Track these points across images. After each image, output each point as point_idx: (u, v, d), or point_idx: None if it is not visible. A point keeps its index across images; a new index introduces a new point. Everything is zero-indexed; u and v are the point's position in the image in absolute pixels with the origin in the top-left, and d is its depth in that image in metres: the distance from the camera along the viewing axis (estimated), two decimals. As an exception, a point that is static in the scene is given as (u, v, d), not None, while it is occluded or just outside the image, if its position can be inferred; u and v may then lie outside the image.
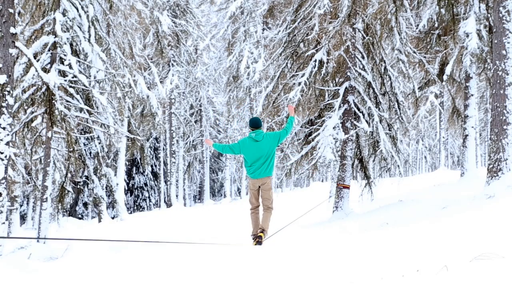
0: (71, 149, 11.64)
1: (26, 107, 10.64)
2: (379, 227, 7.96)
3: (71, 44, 11.52)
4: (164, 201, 30.00)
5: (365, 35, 11.37)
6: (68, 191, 13.28)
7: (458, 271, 3.42)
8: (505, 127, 8.13)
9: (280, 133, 7.37)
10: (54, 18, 10.66)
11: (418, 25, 14.87)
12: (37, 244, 9.75)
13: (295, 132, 11.83)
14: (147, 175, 33.09)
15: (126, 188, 31.57)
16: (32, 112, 10.67)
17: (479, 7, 13.26)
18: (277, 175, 25.49)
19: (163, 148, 31.56)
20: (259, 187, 7.38)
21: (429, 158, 47.56)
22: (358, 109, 11.47)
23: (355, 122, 11.33)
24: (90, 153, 18.88)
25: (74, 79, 10.80)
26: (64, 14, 10.95)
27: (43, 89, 10.18)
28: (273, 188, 7.70)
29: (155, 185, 33.43)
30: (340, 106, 11.25)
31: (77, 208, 29.45)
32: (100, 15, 15.25)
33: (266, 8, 23.23)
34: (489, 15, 12.83)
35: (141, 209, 32.23)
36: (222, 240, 8.65)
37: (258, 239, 7.17)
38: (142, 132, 24.56)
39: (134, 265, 5.58)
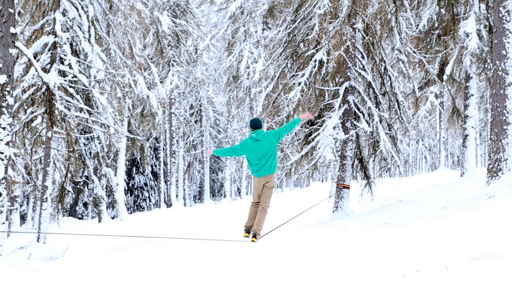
0: (71, 149, 11.64)
1: (26, 107, 10.64)
2: (379, 227, 7.96)
3: (71, 44, 11.52)
4: (164, 201, 30.00)
5: (365, 35, 11.37)
6: (68, 191, 13.29)
7: (458, 271, 3.42)
8: (505, 127, 8.13)
9: (279, 131, 7.51)
10: (54, 18, 10.66)
11: (418, 25, 14.87)
12: (37, 244, 9.76)
13: (295, 132, 11.83)
14: (147, 175, 33.09)
15: (126, 188, 31.57)
16: (32, 112, 10.67)
17: (479, 7, 13.25)
18: (277, 175, 25.50)
19: (163, 148, 31.56)
20: (264, 185, 7.53)
21: (429, 158, 47.55)
22: (358, 109, 11.47)
23: (355, 122, 11.33)
24: (90, 153, 18.88)
25: (74, 79, 10.80)
26: (64, 14, 10.95)
27: (43, 89, 10.18)
28: (275, 187, 7.84)
29: (155, 185, 33.43)
30: (340, 106, 11.26)
31: (77, 208, 29.45)
32: (100, 15, 15.25)
33: (266, 8, 23.23)
34: (489, 15, 12.83)
35: (141, 209, 32.23)
36: (225, 237, 8.66)
37: (252, 239, 7.42)
38: (142, 132, 24.55)
39: (134, 265, 5.58)
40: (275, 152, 7.45)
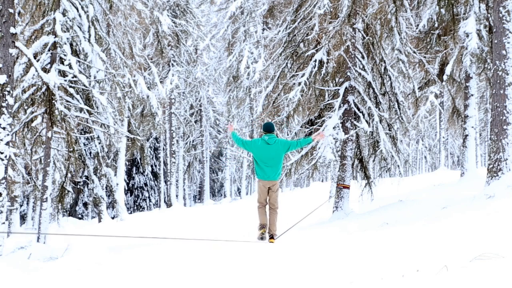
0: (71, 149, 11.64)
1: (26, 107, 10.64)
2: (379, 227, 7.96)
3: (71, 44, 11.52)
4: (164, 201, 29.99)
5: (365, 35, 11.36)
6: (68, 191, 13.28)
7: (458, 271, 3.42)
8: (505, 127, 8.13)
9: (291, 143, 7.73)
10: (54, 18, 10.66)
11: (418, 25, 14.87)
12: (37, 244, 9.75)
13: (295, 132, 11.83)
14: (147, 175, 33.08)
15: (126, 188, 31.56)
16: (32, 112, 10.67)
17: (479, 7, 13.25)
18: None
19: (163, 148, 31.55)
20: (269, 188, 7.79)
21: (429, 158, 47.54)
22: (358, 109, 11.47)
23: (355, 122, 11.33)
24: (90, 153, 18.88)
25: (74, 79, 10.80)
26: (64, 14, 10.95)
27: (43, 89, 10.19)
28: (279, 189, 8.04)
29: (155, 185, 33.42)
30: (340, 106, 11.26)
31: (77, 208, 29.44)
32: (100, 15, 15.25)
33: (266, 8, 23.23)
34: (489, 15, 12.83)
35: (141, 209, 32.22)
36: (225, 238, 8.66)
37: (270, 241, 7.65)
38: (142, 132, 24.55)
39: (134, 265, 5.58)
40: (281, 161, 7.68)
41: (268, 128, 7.69)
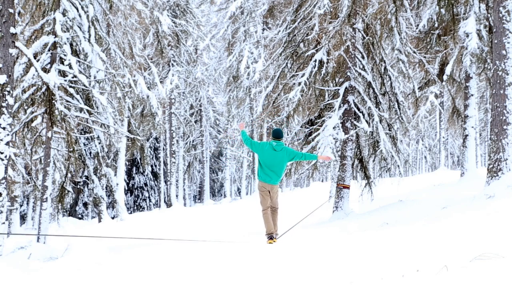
0: (71, 149, 11.64)
1: (26, 107, 10.64)
2: (379, 227, 7.96)
3: (71, 44, 11.52)
4: (164, 201, 29.99)
5: (365, 35, 11.37)
6: (68, 191, 13.29)
7: (458, 271, 3.42)
8: (505, 127, 8.13)
9: (296, 154, 7.98)
10: (54, 18, 10.66)
11: (418, 25, 14.87)
12: (37, 244, 9.74)
13: (295, 132, 11.84)
14: (147, 175, 33.08)
15: (126, 188, 31.56)
16: (32, 112, 10.67)
17: (479, 7, 13.25)
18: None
19: (163, 148, 31.55)
20: (268, 191, 8.02)
21: (429, 158, 47.53)
22: (358, 109, 11.47)
23: (355, 122, 11.33)
24: (90, 153, 18.88)
25: (74, 79, 10.80)
26: (64, 14, 10.95)
27: (43, 89, 10.18)
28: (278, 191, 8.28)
29: (155, 185, 33.42)
30: (340, 106, 11.26)
31: (77, 208, 29.44)
32: (100, 15, 15.25)
33: (266, 8, 23.25)
34: (489, 15, 12.83)
35: (141, 209, 32.22)
36: (225, 238, 8.67)
37: (272, 240, 7.84)
38: (142, 132, 24.54)
39: (134, 265, 5.58)
40: (283, 168, 7.92)
41: (277, 135, 7.90)
